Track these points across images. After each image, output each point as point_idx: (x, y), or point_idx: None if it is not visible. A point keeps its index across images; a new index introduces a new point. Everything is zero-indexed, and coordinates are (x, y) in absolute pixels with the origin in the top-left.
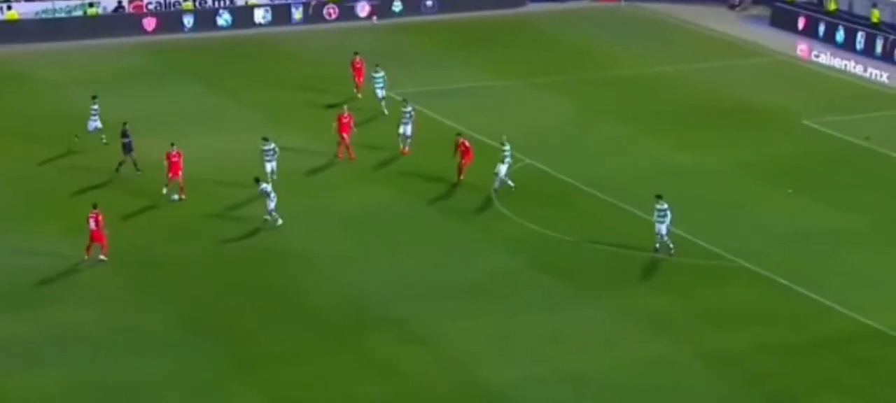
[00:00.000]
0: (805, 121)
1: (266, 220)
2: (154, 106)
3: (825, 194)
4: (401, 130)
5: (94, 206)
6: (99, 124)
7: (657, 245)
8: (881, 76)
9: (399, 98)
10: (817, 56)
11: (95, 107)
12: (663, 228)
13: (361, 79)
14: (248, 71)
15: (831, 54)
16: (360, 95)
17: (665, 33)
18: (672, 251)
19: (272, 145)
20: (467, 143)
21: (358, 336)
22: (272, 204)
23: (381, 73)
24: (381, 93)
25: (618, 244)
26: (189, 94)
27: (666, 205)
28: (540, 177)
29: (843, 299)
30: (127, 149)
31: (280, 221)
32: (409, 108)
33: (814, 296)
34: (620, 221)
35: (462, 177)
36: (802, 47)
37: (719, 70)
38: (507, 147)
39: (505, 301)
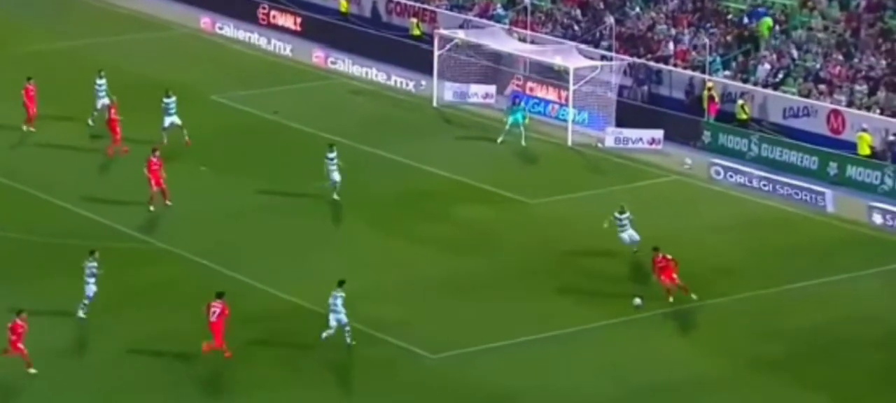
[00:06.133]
0: (213, 97)
1: None
2: None
3: (243, 170)
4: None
5: None
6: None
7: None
8: (285, 49)
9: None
10: (221, 28)
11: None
12: (342, 318)
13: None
14: None
15: (235, 27)
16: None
17: (63, 7)
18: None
19: None
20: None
21: None
22: None
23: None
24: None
25: (29, 231)
26: None
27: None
28: None
29: (259, 276)
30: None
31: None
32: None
33: (232, 274)
34: (31, 209)
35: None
36: (206, 20)
37: (122, 45)
38: None
39: None
